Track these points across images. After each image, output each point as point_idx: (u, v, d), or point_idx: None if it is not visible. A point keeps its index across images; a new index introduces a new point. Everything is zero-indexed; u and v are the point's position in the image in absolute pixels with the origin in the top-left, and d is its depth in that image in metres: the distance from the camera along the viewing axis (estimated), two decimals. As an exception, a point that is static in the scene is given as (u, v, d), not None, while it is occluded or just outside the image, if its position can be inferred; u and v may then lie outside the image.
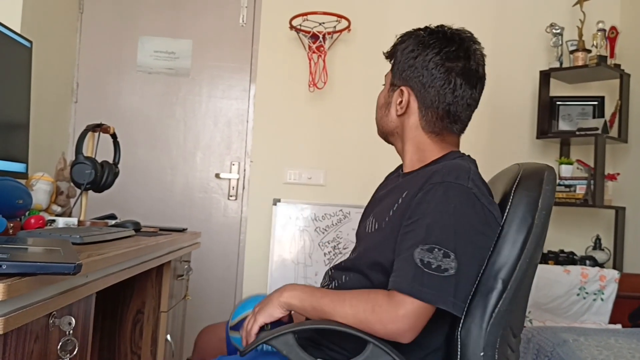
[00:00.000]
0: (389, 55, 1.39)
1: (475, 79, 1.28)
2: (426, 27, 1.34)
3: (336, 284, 1.32)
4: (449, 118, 1.29)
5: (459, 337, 1.17)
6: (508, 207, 1.21)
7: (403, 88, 1.32)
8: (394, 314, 1.09)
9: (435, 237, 1.12)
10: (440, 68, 1.27)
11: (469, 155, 1.34)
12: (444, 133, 1.31)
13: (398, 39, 1.37)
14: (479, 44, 1.32)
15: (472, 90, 1.28)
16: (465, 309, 1.16)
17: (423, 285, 1.08)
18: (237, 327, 1.44)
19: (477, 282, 1.17)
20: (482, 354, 1.15)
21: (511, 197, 1.21)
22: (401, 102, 1.32)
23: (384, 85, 1.41)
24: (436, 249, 1.10)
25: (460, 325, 1.17)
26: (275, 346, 1.16)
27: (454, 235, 1.12)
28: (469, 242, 1.13)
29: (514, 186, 1.23)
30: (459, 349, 1.17)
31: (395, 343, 1.12)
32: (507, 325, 1.18)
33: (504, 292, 1.15)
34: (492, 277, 1.16)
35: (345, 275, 1.29)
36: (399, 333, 1.09)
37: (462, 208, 1.14)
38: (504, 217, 1.20)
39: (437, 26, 1.33)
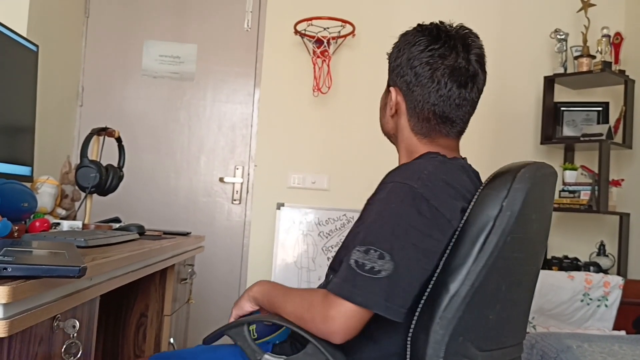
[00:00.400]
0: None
1: (464, 77, 1.21)
2: (418, 25, 1.27)
3: (324, 283, 1.32)
4: (436, 119, 1.23)
5: (408, 343, 1.11)
6: (470, 206, 1.11)
7: (391, 89, 1.29)
8: (325, 313, 1.07)
9: (372, 237, 1.08)
10: (424, 66, 1.21)
11: (464, 158, 1.29)
12: (434, 135, 1.26)
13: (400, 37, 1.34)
14: (476, 40, 1.24)
15: (461, 90, 1.21)
16: (417, 313, 1.10)
17: (355, 286, 1.04)
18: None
19: (431, 286, 1.09)
20: (428, 358, 1.06)
21: (476, 196, 1.12)
22: (391, 102, 1.29)
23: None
24: (372, 250, 1.06)
25: (411, 330, 1.10)
26: (229, 336, 1.21)
27: (390, 235, 1.07)
28: (409, 243, 1.06)
29: (485, 184, 1.14)
30: (408, 356, 1.11)
31: (349, 343, 1.12)
32: (459, 335, 1.07)
33: (453, 297, 1.06)
34: (442, 280, 1.08)
35: (331, 274, 1.29)
36: (329, 333, 1.07)
37: (404, 208, 1.08)
38: (465, 217, 1.11)
39: (430, 23, 1.26)
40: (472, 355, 1.09)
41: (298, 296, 1.17)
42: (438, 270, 1.09)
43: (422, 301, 1.10)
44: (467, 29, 1.25)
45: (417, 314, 1.10)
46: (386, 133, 1.37)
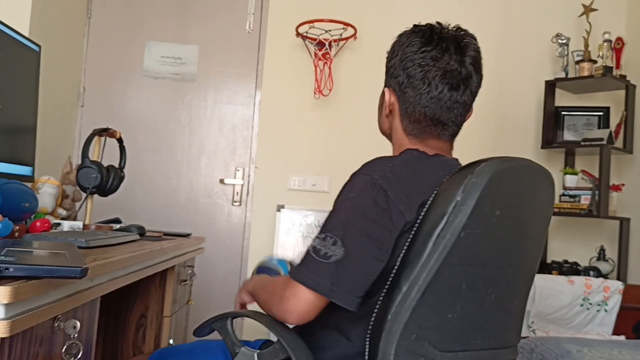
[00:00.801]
0: None
1: (456, 80, 1.20)
2: (414, 25, 1.27)
3: None
4: (427, 121, 1.23)
5: (367, 340, 1.10)
6: (429, 201, 1.09)
7: (385, 89, 1.30)
8: (281, 294, 1.12)
9: (330, 225, 1.12)
10: (416, 68, 1.21)
11: (455, 157, 1.29)
12: (425, 136, 1.25)
13: None
14: (471, 41, 1.24)
15: (453, 92, 1.20)
16: (375, 310, 1.10)
17: (308, 270, 1.09)
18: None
19: (388, 283, 1.09)
20: (380, 357, 1.05)
21: (435, 191, 1.10)
22: (385, 102, 1.30)
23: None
24: (328, 237, 1.09)
25: (370, 327, 1.10)
26: (215, 328, 1.28)
27: (345, 223, 1.10)
28: (361, 231, 1.08)
29: (445, 180, 1.12)
30: (366, 353, 1.10)
31: (323, 341, 1.18)
32: (411, 333, 1.04)
33: (404, 293, 1.04)
34: (397, 276, 1.07)
35: None
36: (283, 312, 1.12)
37: (361, 197, 1.11)
38: (422, 213, 1.09)
39: (425, 24, 1.26)
40: (430, 355, 1.06)
41: (269, 284, 1.26)
42: (396, 267, 1.08)
43: (380, 298, 1.09)
44: (463, 30, 1.24)
45: (375, 311, 1.10)
46: (383, 132, 1.38)
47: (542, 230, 1.22)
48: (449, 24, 1.25)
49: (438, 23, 1.25)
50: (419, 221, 1.09)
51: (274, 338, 1.21)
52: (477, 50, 1.24)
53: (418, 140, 1.26)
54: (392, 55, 1.27)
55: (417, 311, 1.04)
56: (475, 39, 1.25)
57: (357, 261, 1.08)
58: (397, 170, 1.13)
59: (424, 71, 1.20)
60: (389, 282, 1.09)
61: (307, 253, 1.11)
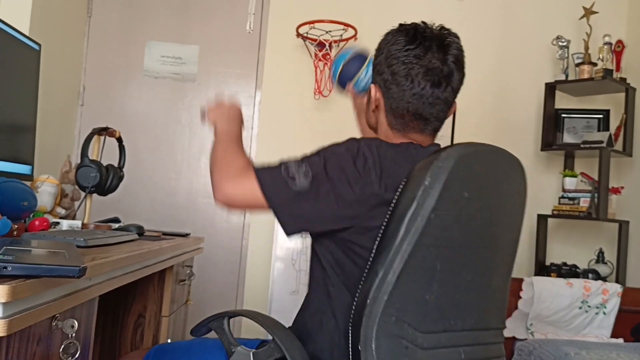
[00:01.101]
0: None
1: (438, 77, 1.24)
2: (400, 24, 1.31)
3: None
4: (410, 116, 1.28)
5: (350, 325, 1.13)
6: (400, 188, 1.14)
7: (372, 85, 1.34)
8: (235, 172, 1.22)
9: (311, 160, 1.19)
10: (400, 65, 1.25)
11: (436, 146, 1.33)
12: (408, 131, 1.30)
13: None
14: (454, 40, 1.29)
15: (435, 89, 1.25)
16: (356, 296, 1.12)
17: (272, 177, 1.18)
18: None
19: (366, 270, 1.13)
20: (362, 341, 1.08)
21: (405, 178, 1.14)
22: (371, 99, 1.35)
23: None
24: (304, 166, 1.18)
25: (352, 313, 1.12)
26: (211, 328, 1.30)
27: (323, 165, 1.17)
28: (331, 180, 1.16)
29: (415, 166, 1.16)
30: (350, 338, 1.12)
31: (309, 325, 1.23)
32: (391, 316, 1.07)
33: (381, 277, 1.07)
34: (374, 262, 1.11)
35: None
36: (223, 186, 1.21)
37: (345, 154, 1.18)
38: (395, 199, 1.13)
39: (410, 23, 1.30)
40: (411, 337, 1.09)
41: (234, 150, 1.33)
42: (373, 254, 1.13)
43: (360, 285, 1.12)
44: (447, 29, 1.29)
45: (356, 297, 1.13)
46: (370, 127, 1.42)
47: (516, 215, 1.27)
48: (434, 24, 1.30)
49: (423, 22, 1.29)
50: (391, 207, 1.13)
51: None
52: (460, 49, 1.30)
53: (402, 134, 1.31)
54: (378, 53, 1.32)
55: (395, 294, 1.07)
56: (458, 38, 1.30)
57: (314, 201, 1.15)
58: (384, 149, 1.20)
59: (408, 68, 1.24)
60: (367, 268, 1.13)
61: (280, 165, 1.19)
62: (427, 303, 1.11)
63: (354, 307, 1.12)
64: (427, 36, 1.25)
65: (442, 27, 1.29)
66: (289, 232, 1.19)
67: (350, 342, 1.11)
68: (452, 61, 1.26)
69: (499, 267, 1.25)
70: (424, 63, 1.24)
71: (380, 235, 1.13)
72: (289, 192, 1.16)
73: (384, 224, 1.13)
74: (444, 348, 1.13)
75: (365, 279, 1.12)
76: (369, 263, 1.13)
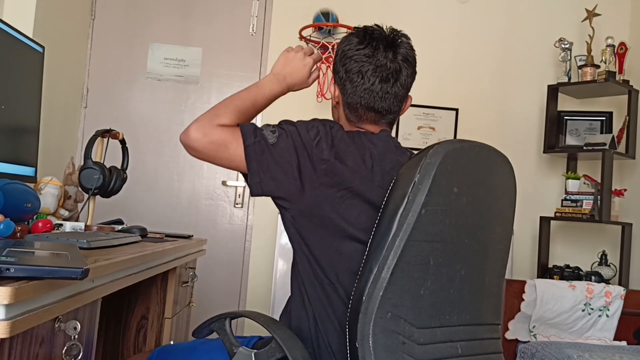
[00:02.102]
0: None
1: (386, 73, 1.35)
2: (354, 28, 1.44)
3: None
4: (363, 109, 1.38)
5: (347, 324, 1.14)
6: (390, 186, 1.18)
7: (332, 83, 1.45)
8: (214, 121, 1.28)
9: (279, 122, 1.32)
10: (352, 63, 1.36)
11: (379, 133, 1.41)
12: (362, 122, 1.40)
13: None
14: (403, 40, 1.39)
15: (384, 84, 1.35)
16: (352, 296, 1.14)
17: (252, 131, 1.27)
18: None
19: (362, 268, 1.15)
20: (359, 337, 1.10)
21: (395, 176, 1.19)
22: (332, 94, 1.46)
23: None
24: (274, 127, 1.29)
25: (348, 312, 1.14)
26: (213, 329, 1.32)
27: (285, 128, 1.28)
28: (293, 142, 1.26)
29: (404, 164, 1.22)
30: (347, 336, 1.13)
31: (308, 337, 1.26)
32: (386, 312, 1.09)
33: (375, 274, 1.09)
34: (367, 259, 1.13)
35: None
36: (192, 130, 1.26)
37: (300, 125, 1.30)
38: (386, 197, 1.17)
39: (363, 26, 1.42)
40: (407, 332, 1.11)
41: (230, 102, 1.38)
42: (366, 252, 1.15)
43: (355, 283, 1.14)
44: (397, 30, 1.41)
45: (352, 296, 1.14)
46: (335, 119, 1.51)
47: (507, 209, 1.30)
48: (385, 26, 1.42)
49: (376, 25, 1.42)
50: (383, 204, 1.17)
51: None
52: (409, 48, 1.40)
53: (357, 126, 1.41)
54: (335, 54, 1.43)
55: (390, 290, 1.09)
56: (407, 38, 1.41)
57: (278, 153, 1.25)
58: (336, 128, 1.32)
59: (359, 66, 1.36)
60: (361, 266, 1.14)
61: (259, 128, 1.29)
62: (422, 298, 1.13)
63: (350, 305, 1.14)
64: (376, 37, 1.37)
65: (392, 29, 1.41)
66: (253, 188, 1.27)
67: (347, 339, 1.12)
68: (400, 59, 1.36)
69: (492, 262, 1.27)
70: (373, 61, 1.35)
71: (372, 233, 1.15)
72: (261, 145, 1.25)
73: (376, 221, 1.16)
74: (441, 343, 1.15)
75: (360, 275, 1.13)
76: (363, 261, 1.15)
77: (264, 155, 1.24)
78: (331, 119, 1.43)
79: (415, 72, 1.42)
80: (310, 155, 1.25)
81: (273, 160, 1.24)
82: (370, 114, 1.39)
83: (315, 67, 1.52)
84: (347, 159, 1.26)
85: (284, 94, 1.49)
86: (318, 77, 1.54)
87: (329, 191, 1.24)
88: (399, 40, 1.38)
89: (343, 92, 1.40)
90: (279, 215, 3.63)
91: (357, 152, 1.29)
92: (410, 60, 1.39)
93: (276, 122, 1.33)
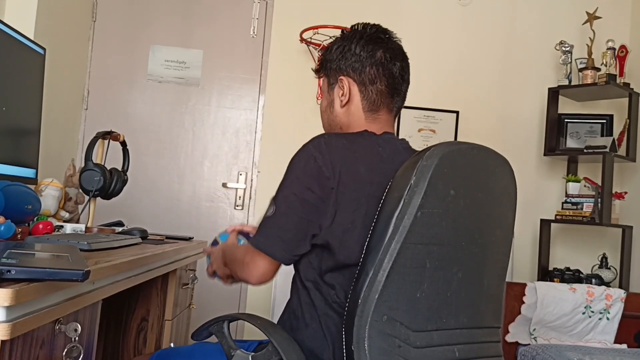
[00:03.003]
0: (319, 68, 1.48)
1: (396, 54, 1.37)
2: (351, 26, 1.44)
3: None
4: (388, 90, 1.37)
5: (343, 327, 1.14)
6: (387, 189, 1.17)
7: (342, 77, 1.39)
8: (242, 261, 1.29)
9: (276, 192, 1.27)
10: (366, 47, 1.36)
11: (385, 134, 1.38)
12: (380, 110, 1.37)
13: (323, 51, 1.49)
14: (392, 34, 1.43)
15: (398, 63, 1.37)
16: (349, 298, 1.14)
17: (258, 234, 1.26)
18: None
19: (357, 271, 1.14)
20: (355, 341, 1.09)
21: (392, 179, 1.18)
22: (343, 92, 1.39)
23: (319, 97, 1.46)
24: (272, 201, 1.26)
25: (345, 315, 1.14)
26: (211, 332, 1.32)
27: (282, 186, 1.25)
28: (292, 192, 1.23)
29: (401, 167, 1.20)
30: (343, 339, 1.13)
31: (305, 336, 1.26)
32: (382, 315, 1.08)
33: (371, 277, 1.09)
34: (363, 262, 1.13)
35: None
36: (245, 278, 1.29)
37: (296, 163, 1.25)
38: (382, 199, 1.16)
39: (354, 26, 1.44)
40: (403, 335, 1.10)
41: (232, 252, 1.40)
42: (363, 255, 1.14)
43: (352, 286, 1.13)
44: (384, 28, 1.43)
45: (348, 298, 1.13)
46: (334, 128, 1.46)
47: (507, 212, 1.28)
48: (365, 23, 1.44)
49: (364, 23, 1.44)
50: (379, 207, 1.15)
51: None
52: (399, 39, 1.43)
53: (374, 116, 1.38)
54: (338, 50, 1.40)
55: (385, 293, 1.08)
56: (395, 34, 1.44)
57: (284, 218, 1.23)
58: (329, 143, 1.25)
59: (373, 49, 1.36)
60: (357, 270, 1.14)
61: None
62: (418, 301, 1.12)
63: (346, 309, 1.13)
64: (378, 28, 1.41)
65: (381, 26, 1.43)
66: (286, 261, 1.26)
67: (344, 342, 1.12)
68: (399, 45, 1.40)
69: (491, 265, 1.25)
70: (384, 44, 1.37)
71: (369, 235, 1.15)
72: (265, 227, 1.25)
73: (373, 223, 1.15)
74: (438, 346, 1.14)
75: (357, 278, 1.12)
76: (359, 264, 1.14)
77: (274, 231, 1.24)
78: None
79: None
80: (317, 193, 1.21)
81: (283, 230, 1.23)
82: (388, 99, 1.37)
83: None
84: (358, 165, 1.23)
85: None
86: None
87: (336, 227, 1.22)
88: (389, 30, 1.42)
89: (361, 80, 1.36)
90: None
91: (367, 154, 1.26)
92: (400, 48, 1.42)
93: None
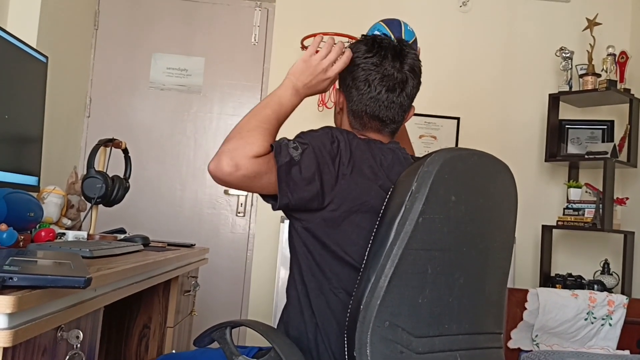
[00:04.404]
0: None
1: (393, 83, 1.36)
2: (362, 36, 1.45)
3: None
4: (367, 117, 1.39)
5: (345, 333, 1.13)
6: (388, 194, 1.19)
7: (337, 90, 1.47)
8: (247, 151, 1.22)
9: (296, 138, 1.29)
10: (360, 71, 1.37)
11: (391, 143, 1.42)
12: (367, 130, 1.41)
13: None
14: (410, 51, 1.40)
15: (390, 94, 1.36)
16: (350, 305, 1.15)
17: (280, 152, 1.23)
18: None
19: (359, 278, 1.15)
20: (357, 347, 1.09)
21: (393, 185, 1.20)
22: (337, 102, 1.46)
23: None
24: (294, 142, 1.26)
25: (347, 321, 1.14)
26: (214, 338, 1.32)
27: (308, 141, 1.26)
28: (314, 155, 1.24)
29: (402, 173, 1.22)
30: (345, 346, 1.13)
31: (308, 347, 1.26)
32: (384, 320, 1.08)
33: (372, 283, 1.09)
34: (365, 268, 1.14)
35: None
36: (225, 162, 1.20)
37: (322, 136, 1.29)
38: (384, 205, 1.18)
39: (371, 35, 1.45)
40: (405, 341, 1.10)
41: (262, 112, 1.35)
42: (365, 261, 1.15)
43: (354, 292, 1.14)
44: (404, 41, 1.43)
45: (350, 305, 1.14)
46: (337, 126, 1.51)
47: (507, 218, 1.29)
48: (393, 36, 1.46)
49: (384, 34, 1.46)
50: (381, 213, 1.17)
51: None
52: (415, 59, 1.40)
53: (361, 134, 1.40)
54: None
55: (387, 298, 1.08)
56: (414, 50, 1.42)
57: (304, 171, 1.22)
58: (352, 135, 1.33)
59: (366, 74, 1.37)
60: (359, 276, 1.14)
61: (285, 145, 1.25)
62: (420, 307, 1.12)
63: (347, 314, 1.13)
64: (384, 46, 1.38)
65: (399, 39, 1.43)
66: (280, 206, 1.25)
67: (346, 348, 1.12)
68: (407, 69, 1.37)
69: (493, 271, 1.26)
70: (380, 70, 1.36)
71: (371, 241, 1.16)
72: (287, 159, 1.23)
73: (374, 229, 1.16)
74: (440, 352, 1.14)
75: (358, 284, 1.13)
76: (361, 271, 1.15)
77: (290, 174, 1.22)
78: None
79: (420, 83, 1.42)
80: (331, 172, 1.25)
81: (300, 177, 1.22)
82: (374, 123, 1.39)
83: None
84: (364, 167, 1.28)
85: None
86: (335, 81, 1.47)
87: (338, 216, 1.25)
88: (406, 50, 1.39)
89: (348, 99, 1.40)
90: (281, 224, 3.60)
91: (373, 160, 1.30)
92: (416, 71, 1.40)
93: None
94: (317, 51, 1.42)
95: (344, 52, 1.40)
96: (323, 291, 1.27)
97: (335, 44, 1.40)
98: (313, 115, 3.46)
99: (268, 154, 1.24)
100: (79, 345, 1.04)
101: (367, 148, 1.32)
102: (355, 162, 1.27)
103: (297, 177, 1.22)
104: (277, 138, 1.31)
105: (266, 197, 1.29)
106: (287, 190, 1.22)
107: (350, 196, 1.25)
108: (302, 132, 1.32)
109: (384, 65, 1.36)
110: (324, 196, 1.24)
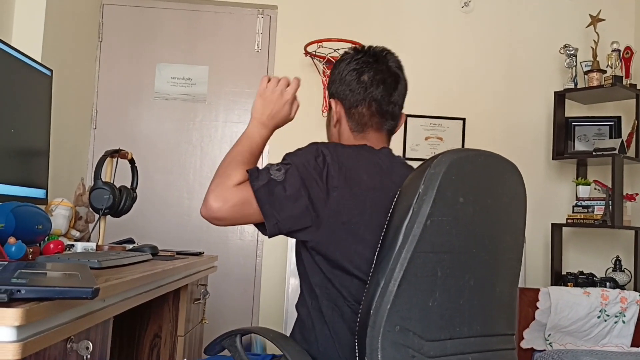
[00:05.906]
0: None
1: (387, 77, 1.39)
2: (349, 48, 1.49)
3: None
4: (369, 113, 1.40)
5: (356, 340, 1.13)
6: (395, 198, 1.18)
7: (332, 100, 1.47)
8: (228, 183, 1.26)
9: (281, 161, 1.29)
10: (352, 73, 1.40)
11: (385, 149, 1.42)
12: (367, 130, 1.42)
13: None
14: (393, 55, 1.44)
15: (383, 86, 1.39)
16: (360, 310, 1.13)
17: (256, 175, 1.25)
18: None
19: (368, 282, 1.14)
20: (369, 352, 1.09)
21: (400, 188, 1.19)
22: (332, 114, 1.47)
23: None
24: (278, 166, 1.26)
25: (357, 327, 1.14)
26: (224, 346, 1.34)
27: (290, 162, 1.26)
28: (298, 173, 1.23)
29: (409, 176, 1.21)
30: (356, 352, 1.12)
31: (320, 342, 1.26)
32: (395, 325, 1.08)
33: (382, 287, 1.09)
34: (374, 273, 1.12)
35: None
36: (211, 200, 1.24)
37: (306, 154, 1.28)
38: (391, 209, 1.17)
39: (357, 46, 1.48)
40: (416, 345, 1.09)
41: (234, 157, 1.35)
42: (373, 265, 1.15)
43: (363, 297, 1.13)
44: (385, 48, 1.46)
45: (360, 311, 1.13)
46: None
47: (517, 218, 1.28)
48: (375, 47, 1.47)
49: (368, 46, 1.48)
50: (389, 216, 1.16)
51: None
52: (398, 61, 1.45)
53: (361, 135, 1.42)
54: (332, 75, 1.47)
55: (397, 302, 1.08)
56: (396, 56, 1.46)
57: (289, 192, 1.22)
58: (340, 147, 1.32)
59: (359, 73, 1.40)
60: (368, 281, 1.14)
61: (266, 169, 1.26)
62: (431, 310, 1.11)
63: (357, 320, 1.13)
64: (371, 52, 1.43)
65: (383, 48, 1.46)
66: (270, 230, 1.24)
67: (357, 353, 1.11)
68: (395, 67, 1.42)
69: (503, 272, 1.25)
70: (373, 67, 1.40)
71: (379, 245, 1.15)
72: (269, 186, 1.23)
73: (382, 234, 1.15)
74: (452, 355, 1.13)
75: (368, 289, 1.12)
76: (370, 275, 1.14)
77: (274, 195, 1.22)
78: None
79: (407, 86, 1.45)
80: (320, 186, 1.23)
81: (285, 195, 1.21)
82: (374, 120, 1.40)
83: (295, 101, 1.53)
84: (361, 174, 1.26)
85: (272, 133, 1.50)
86: (298, 107, 1.55)
87: (338, 230, 1.23)
88: (388, 54, 1.44)
89: (345, 103, 1.42)
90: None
91: (369, 165, 1.29)
92: (402, 70, 1.44)
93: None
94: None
95: (294, 79, 1.48)
96: (337, 304, 1.25)
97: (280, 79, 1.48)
98: (317, 121, 3.46)
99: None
100: (89, 356, 1.04)
101: (357, 155, 1.31)
102: (348, 172, 1.25)
103: (282, 196, 1.21)
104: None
105: (260, 227, 1.27)
106: (273, 210, 1.22)
107: (347, 207, 1.23)
108: (287, 154, 1.31)
109: (374, 63, 1.40)
110: (317, 211, 1.22)
